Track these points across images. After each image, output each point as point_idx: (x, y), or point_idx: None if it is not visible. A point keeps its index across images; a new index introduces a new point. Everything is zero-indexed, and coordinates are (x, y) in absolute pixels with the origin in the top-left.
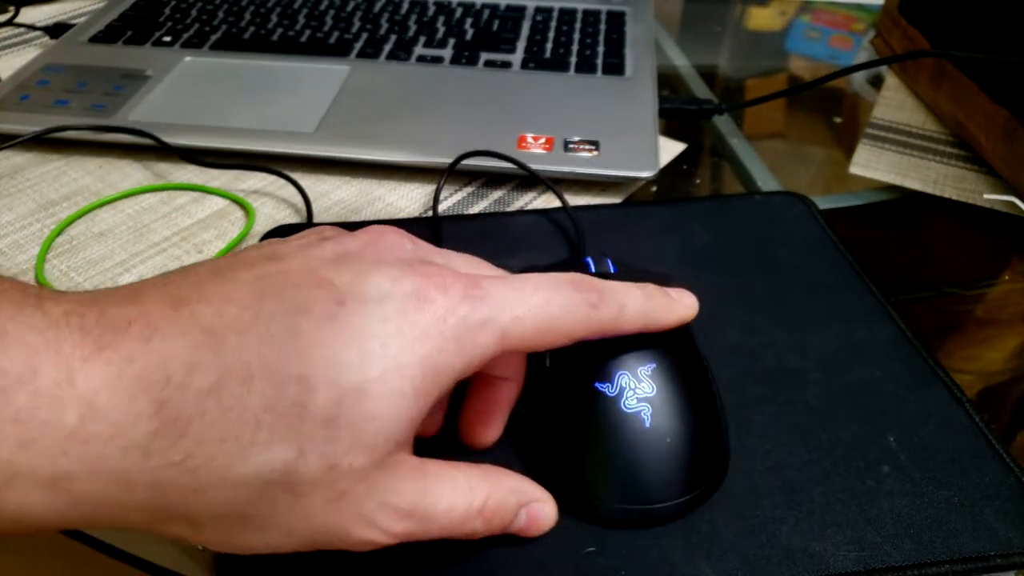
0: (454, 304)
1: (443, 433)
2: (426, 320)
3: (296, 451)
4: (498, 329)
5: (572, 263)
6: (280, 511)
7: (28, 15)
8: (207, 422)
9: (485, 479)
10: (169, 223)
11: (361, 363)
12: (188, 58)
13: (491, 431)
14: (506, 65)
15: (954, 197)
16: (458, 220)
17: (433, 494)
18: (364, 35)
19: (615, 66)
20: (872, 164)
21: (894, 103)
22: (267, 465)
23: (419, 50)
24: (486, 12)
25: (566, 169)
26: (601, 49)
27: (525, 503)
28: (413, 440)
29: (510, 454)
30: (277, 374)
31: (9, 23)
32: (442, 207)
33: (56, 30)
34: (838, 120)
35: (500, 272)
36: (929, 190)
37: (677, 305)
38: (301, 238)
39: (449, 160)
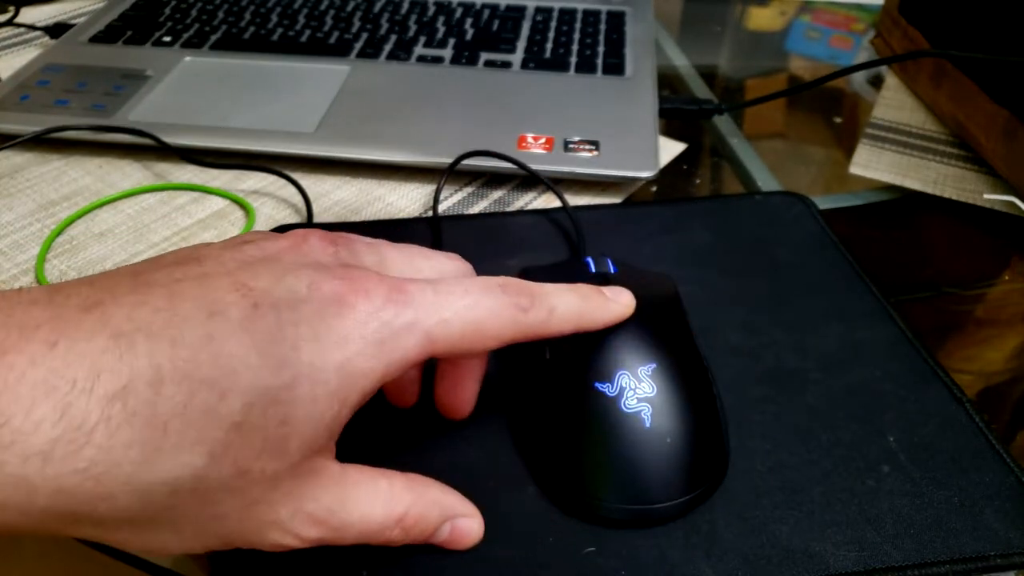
0: (376, 308)
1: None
2: (344, 325)
3: (206, 458)
4: (422, 333)
5: (572, 263)
6: (191, 516)
7: (28, 15)
8: (112, 428)
9: (409, 489)
10: (169, 223)
11: (272, 369)
12: (188, 58)
13: (463, 405)
14: (506, 65)
15: (954, 197)
16: (458, 220)
17: (351, 502)
18: (364, 35)
19: (615, 66)
20: (872, 164)
21: (894, 103)
22: (175, 471)
23: (419, 50)
24: (486, 12)
25: (566, 169)
26: (601, 49)
27: (450, 517)
28: (334, 445)
29: (510, 453)
30: (187, 379)
31: (9, 23)
32: (442, 207)
33: (56, 30)
34: (838, 120)
35: (448, 266)
36: (929, 190)
37: (612, 304)
38: (224, 241)
39: (449, 160)
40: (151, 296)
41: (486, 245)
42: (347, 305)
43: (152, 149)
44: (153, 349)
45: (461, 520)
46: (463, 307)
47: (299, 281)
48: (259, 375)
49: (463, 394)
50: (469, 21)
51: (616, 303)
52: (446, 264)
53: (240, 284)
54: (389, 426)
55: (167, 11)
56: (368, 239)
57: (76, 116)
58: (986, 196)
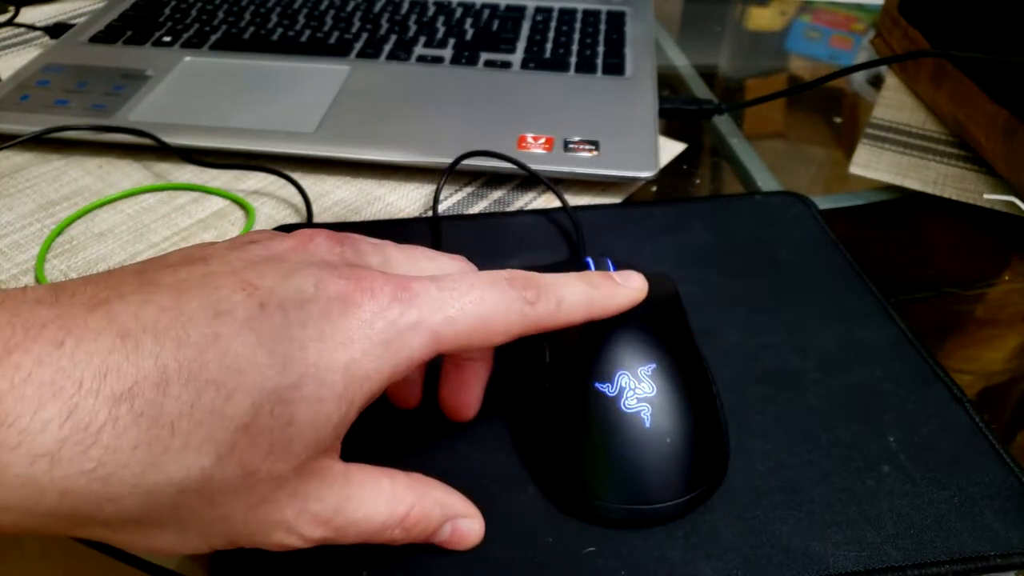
0: (381, 308)
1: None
2: (351, 324)
3: (213, 458)
4: (429, 331)
5: (572, 263)
6: (197, 517)
7: (28, 15)
8: (120, 429)
9: (411, 489)
10: (169, 223)
11: (279, 369)
12: (188, 58)
13: (468, 407)
14: (506, 65)
15: (954, 197)
16: (458, 220)
17: (355, 501)
18: (364, 35)
19: (615, 66)
20: (872, 164)
21: (894, 103)
22: (182, 472)
23: (419, 50)
24: (486, 12)
25: (566, 169)
26: (601, 49)
27: (451, 517)
28: (339, 445)
29: (510, 453)
30: (194, 379)
31: (9, 23)
32: (442, 207)
33: (56, 30)
34: (838, 120)
35: (451, 267)
36: (929, 190)
37: (622, 290)
38: (229, 241)
39: (449, 160)
40: (157, 295)
41: (486, 245)
42: (353, 305)
43: (152, 149)
44: (159, 349)
45: (462, 521)
46: (469, 303)
47: (305, 280)
48: (266, 375)
49: (468, 396)
50: (469, 21)
51: (626, 288)
52: (450, 265)
53: (246, 283)
54: (390, 426)
55: (167, 11)
56: (373, 240)
57: (76, 116)
58: (986, 196)
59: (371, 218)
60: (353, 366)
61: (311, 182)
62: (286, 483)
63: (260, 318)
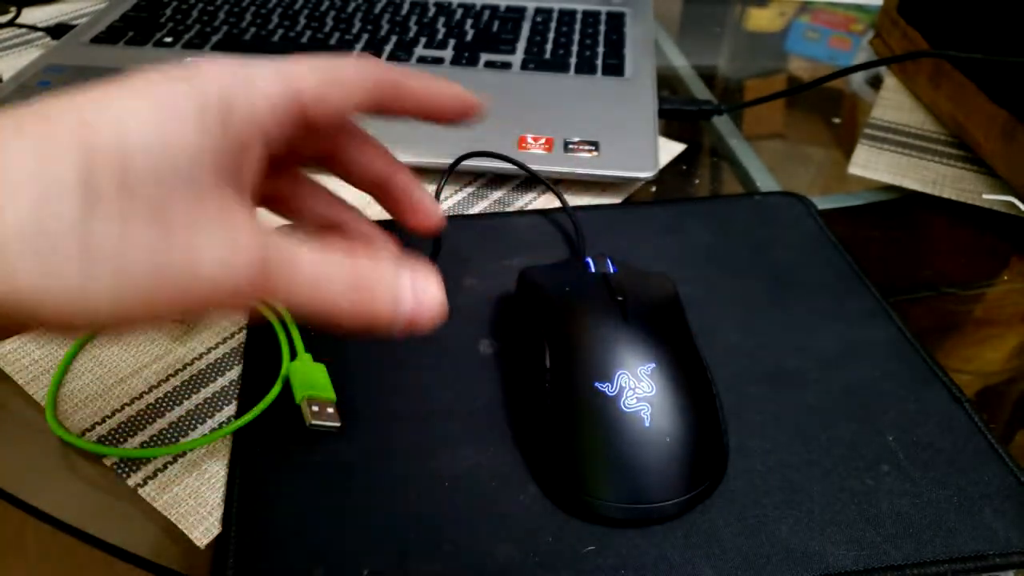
0: (229, 66)
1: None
2: (202, 75)
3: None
4: (284, 75)
5: (572, 263)
6: (97, 235)
7: (30, 16)
8: None
9: (351, 251)
10: None
11: (135, 103)
12: (189, 59)
13: (426, 213)
14: (506, 66)
15: (953, 197)
16: (458, 220)
17: (295, 246)
18: (364, 36)
19: (615, 67)
20: (871, 164)
21: (893, 103)
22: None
23: (419, 51)
24: (486, 13)
25: (566, 169)
26: (601, 50)
27: (404, 271)
28: (248, 198)
29: (511, 452)
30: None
31: (11, 24)
32: (442, 207)
33: (57, 31)
34: (837, 120)
35: None
36: (928, 190)
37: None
38: None
39: (449, 160)
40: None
41: (486, 245)
42: (199, 69)
43: None
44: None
45: (419, 281)
46: (315, 60)
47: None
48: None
49: (414, 202)
50: (469, 22)
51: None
52: None
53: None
54: (389, 427)
55: (168, 12)
56: None
57: None
58: (985, 196)
59: (371, 219)
60: (214, 94)
61: None
62: (185, 197)
63: (110, 85)
